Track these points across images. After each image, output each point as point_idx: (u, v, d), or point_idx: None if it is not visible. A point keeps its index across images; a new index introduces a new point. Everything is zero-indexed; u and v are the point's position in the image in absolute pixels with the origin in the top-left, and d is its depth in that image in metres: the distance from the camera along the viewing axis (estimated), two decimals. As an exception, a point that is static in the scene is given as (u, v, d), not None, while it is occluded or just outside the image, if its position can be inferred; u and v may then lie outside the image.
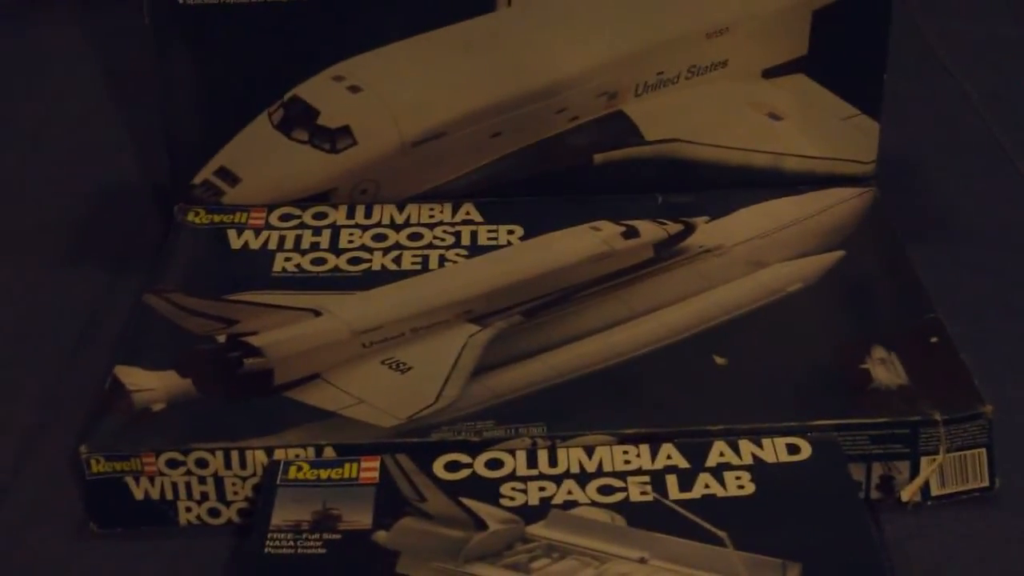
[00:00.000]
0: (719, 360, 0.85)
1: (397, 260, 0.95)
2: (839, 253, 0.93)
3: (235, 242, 0.97)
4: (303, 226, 0.98)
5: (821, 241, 0.94)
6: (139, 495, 0.81)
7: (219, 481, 0.81)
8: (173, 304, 0.91)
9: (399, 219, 0.99)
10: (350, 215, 0.99)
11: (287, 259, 0.96)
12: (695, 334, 0.87)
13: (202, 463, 0.81)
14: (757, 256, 0.93)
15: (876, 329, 0.87)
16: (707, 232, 0.95)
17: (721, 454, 0.79)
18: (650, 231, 0.95)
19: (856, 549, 0.73)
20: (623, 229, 0.95)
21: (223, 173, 0.99)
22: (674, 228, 0.96)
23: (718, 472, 0.78)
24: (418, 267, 0.94)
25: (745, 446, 0.79)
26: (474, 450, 0.80)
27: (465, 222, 0.98)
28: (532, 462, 0.79)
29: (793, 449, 0.79)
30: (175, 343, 0.88)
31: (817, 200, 0.97)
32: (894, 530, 0.79)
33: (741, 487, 0.77)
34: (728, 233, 0.95)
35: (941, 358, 0.84)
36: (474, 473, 0.79)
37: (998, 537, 0.79)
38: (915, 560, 0.78)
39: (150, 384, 0.84)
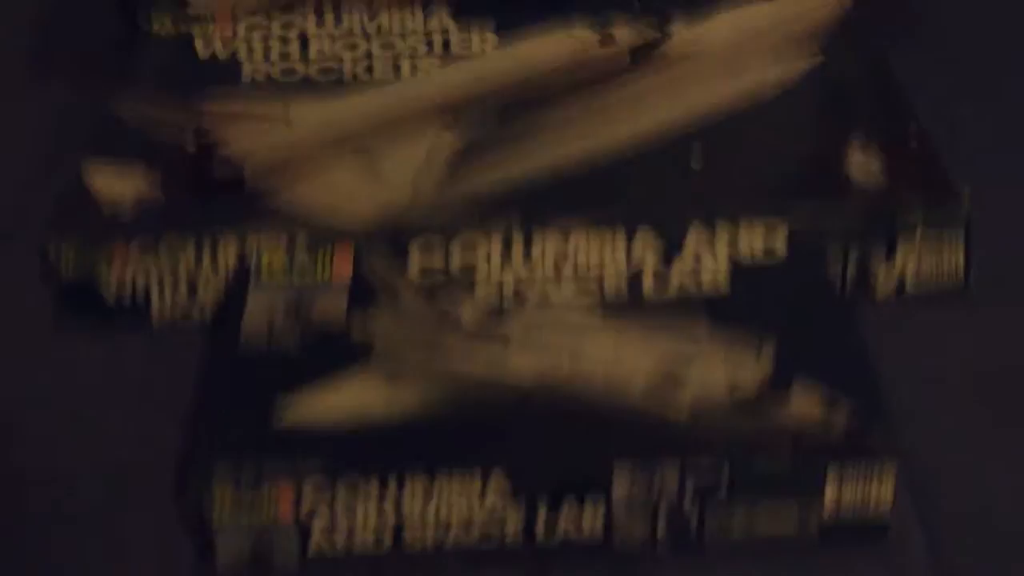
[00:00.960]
0: (695, 165, 0.85)
1: (368, 69, 0.93)
2: (818, 57, 0.92)
3: (202, 52, 0.95)
4: (271, 35, 0.97)
5: (800, 45, 0.93)
6: (110, 293, 0.80)
7: (191, 277, 0.80)
8: (141, 113, 0.89)
9: (370, 28, 0.97)
10: (319, 24, 0.97)
11: (255, 69, 0.94)
12: (672, 139, 0.86)
13: (173, 260, 0.80)
14: (735, 61, 0.92)
15: (854, 130, 0.86)
16: (684, 37, 0.94)
17: (698, 248, 0.79)
18: (626, 36, 0.94)
19: (832, 342, 0.74)
20: (599, 35, 0.94)
21: (189, -24, 0.97)
22: (651, 33, 0.94)
23: (695, 266, 0.78)
24: (390, 75, 0.93)
25: (722, 241, 0.79)
26: (448, 244, 0.80)
27: (437, 29, 0.96)
28: (507, 255, 0.79)
29: (770, 244, 0.79)
30: (144, 152, 0.86)
31: (795, 3, 0.96)
32: (869, 324, 0.79)
33: (717, 281, 0.77)
34: (706, 38, 0.94)
35: (919, 156, 0.84)
36: (448, 266, 0.78)
37: (972, 330, 0.80)
38: (890, 353, 0.77)
39: (119, 188, 0.84)
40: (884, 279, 0.81)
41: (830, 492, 0.67)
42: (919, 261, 0.81)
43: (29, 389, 0.78)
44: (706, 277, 0.78)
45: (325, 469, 0.67)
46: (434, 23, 0.97)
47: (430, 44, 0.95)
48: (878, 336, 0.78)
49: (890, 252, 0.80)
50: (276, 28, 0.97)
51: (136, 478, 0.72)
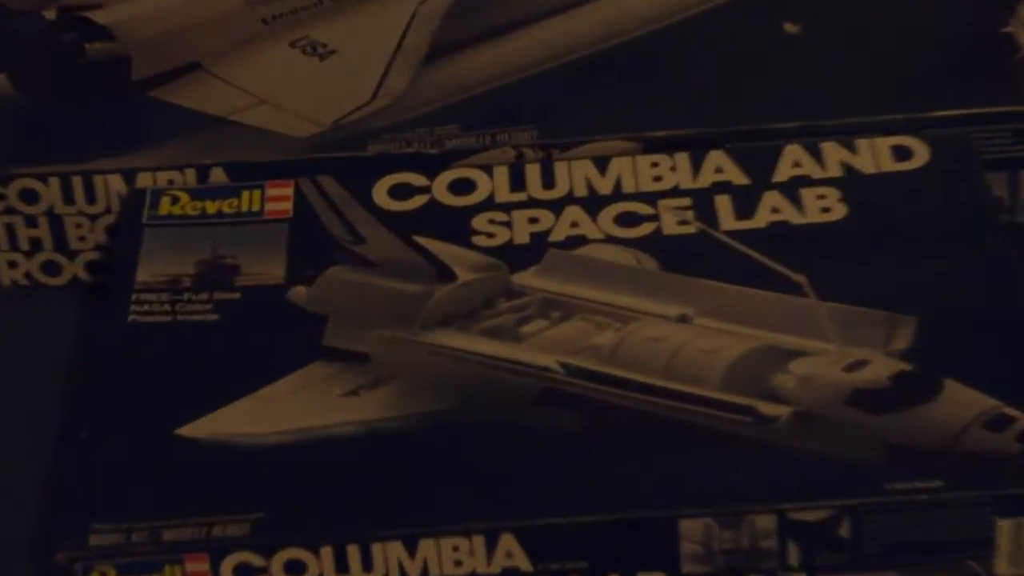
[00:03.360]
0: (789, 27, 0.74)
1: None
2: None
3: None
4: None
5: None
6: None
7: (56, 222, 0.71)
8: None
9: None
10: None
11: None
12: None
13: (30, 196, 0.70)
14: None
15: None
16: None
17: (796, 163, 0.69)
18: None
19: (996, 292, 0.62)
20: None
21: None
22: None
23: (792, 189, 0.68)
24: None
25: (831, 150, 0.69)
26: (433, 167, 0.70)
27: None
28: (518, 182, 0.69)
29: (903, 153, 0.68)
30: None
31: None
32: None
33: (826, 210, 0.67)
34: None
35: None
36: (433, 200, 0.69)
37: None
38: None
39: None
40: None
41: (1004, 541, 0.56)
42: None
43: None
44: (810, 205, 0.66)
45: (256, 525, 0.56)
46: None
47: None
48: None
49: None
50: None
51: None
